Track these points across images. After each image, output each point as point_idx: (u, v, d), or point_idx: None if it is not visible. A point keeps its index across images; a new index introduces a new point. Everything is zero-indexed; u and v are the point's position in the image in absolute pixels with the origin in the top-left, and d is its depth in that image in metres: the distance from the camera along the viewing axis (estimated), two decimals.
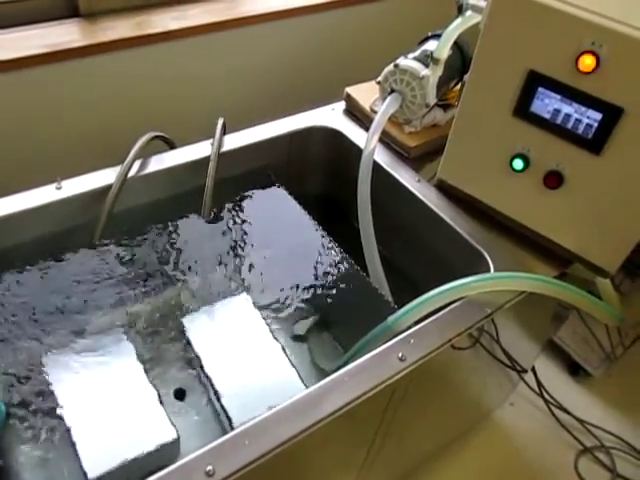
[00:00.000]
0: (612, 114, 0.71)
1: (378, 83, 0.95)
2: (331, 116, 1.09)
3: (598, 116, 0.72)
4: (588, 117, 0.73)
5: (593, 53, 0.69)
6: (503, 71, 0.78)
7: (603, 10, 0.69)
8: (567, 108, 0.75)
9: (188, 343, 0.92)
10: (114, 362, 0.85)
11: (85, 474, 0.72)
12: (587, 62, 0.69)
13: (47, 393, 0.79)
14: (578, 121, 0.75)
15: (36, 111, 1.05)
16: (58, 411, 0.77)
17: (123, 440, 0.76)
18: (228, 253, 1.04)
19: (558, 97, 0.75)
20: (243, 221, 1.04)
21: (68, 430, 0.76)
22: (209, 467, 0.58)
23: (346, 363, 0.81)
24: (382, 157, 1.00)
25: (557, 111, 0.76)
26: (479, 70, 0.81)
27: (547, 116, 0.77)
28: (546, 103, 0.76)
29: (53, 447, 0.78)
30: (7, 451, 0.78)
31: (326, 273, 1.03)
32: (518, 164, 0.83)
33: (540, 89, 0.76)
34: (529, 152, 0.82)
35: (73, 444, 0.75)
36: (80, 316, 0.88)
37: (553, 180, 0.81)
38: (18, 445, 0.78)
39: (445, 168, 0.94)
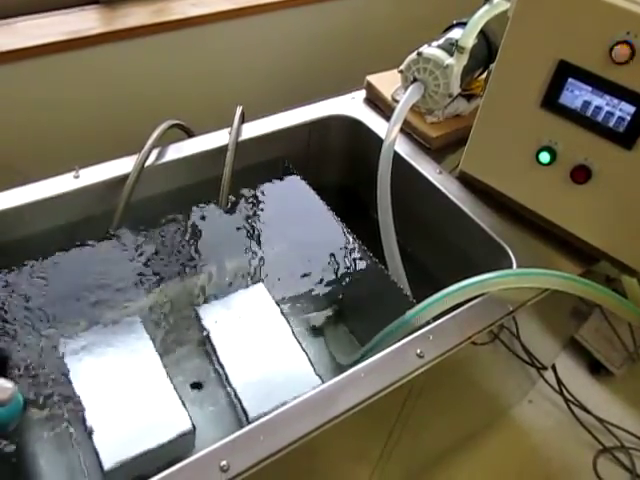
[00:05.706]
0: None
1: (400, 72, 0.93)
2: (351, 105, 1.07)
3: (631, 109, 0.70)
4: (620, 110, 0.71)
5: (628, 43, 0.66)
6: (532, 61, 0.75)
7: None
8: (598, 100, 0.72)
9: (204, 333, 0.92)
10: (131, 352, 0.85)
11: (101, 463, 0.72)
12: (622, 52, 0.66)
13: (64, 382, 0.80)
14: (610, 114, 0.72)
15: (54, 98, 1.05)
16: (75, 400, 0.78)
17: (139, 430, 0.76)
18: (245, 243, 1.04)
19: (589, 89, 0.72)
20: (261, 211, 1.03)
21: (84, 419, 0.76)
22: (224, 462, 0.57)
23: (363, 357, 0.80)
24: (403, 147, 0.99)
25: (587, 103, 0.73)
26: (506, 60, 0.79)
27: (577, 108, 0.74)
28: (576, 95, 0.74)
29: (69, 436, 0.79)
30: (24, 440, 0.78)
31: (344, 265, 1.02)
32: (545, 157, 0.80)
33: (570, 80, 0.73)
34: (556, 145, 0.79)
35: (89, 433, 0.75)
36: (97, 305, 0.89)
37: (581, 175, 0.78)
38: (35, 434, 0.79)
39: (468, 160, 0.91)
